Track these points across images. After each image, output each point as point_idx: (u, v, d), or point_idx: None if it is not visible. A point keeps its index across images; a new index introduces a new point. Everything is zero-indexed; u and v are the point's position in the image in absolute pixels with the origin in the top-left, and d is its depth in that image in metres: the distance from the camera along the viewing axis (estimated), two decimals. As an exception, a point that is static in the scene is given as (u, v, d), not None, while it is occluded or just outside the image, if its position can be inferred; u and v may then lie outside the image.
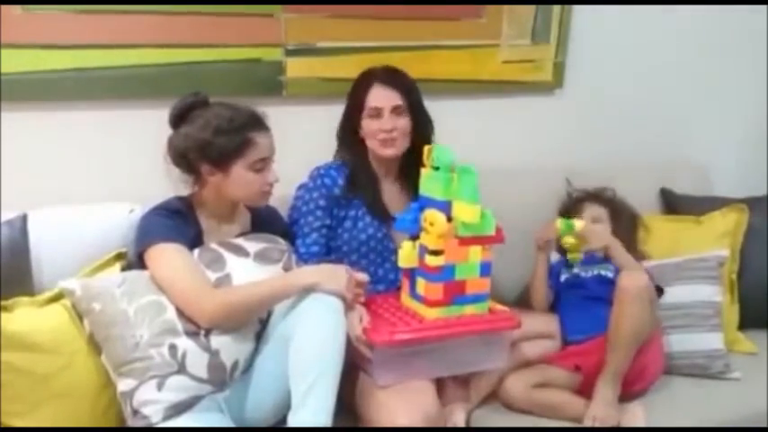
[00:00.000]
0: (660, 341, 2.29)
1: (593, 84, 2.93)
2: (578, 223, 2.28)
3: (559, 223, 2.28)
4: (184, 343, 1.80)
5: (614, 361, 2.08)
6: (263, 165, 1.94)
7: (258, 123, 1.94)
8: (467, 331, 1.97)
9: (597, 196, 2.50)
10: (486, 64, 2.74)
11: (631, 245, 2.44)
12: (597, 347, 2.13)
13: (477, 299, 1.99)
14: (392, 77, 2.17)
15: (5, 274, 1.88)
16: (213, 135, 1.89)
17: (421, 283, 1.96)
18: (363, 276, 1.97)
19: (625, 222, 2.48)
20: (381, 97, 2.14)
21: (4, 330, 1.73)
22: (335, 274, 1.86)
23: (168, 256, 1.87)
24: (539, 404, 2.11)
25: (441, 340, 1.95)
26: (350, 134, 2.21)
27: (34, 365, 1.77)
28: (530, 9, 2.75)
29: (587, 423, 2.05)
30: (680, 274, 2.43)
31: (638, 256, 2.43)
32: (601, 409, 2.05)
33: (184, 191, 2.01)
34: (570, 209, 2.50)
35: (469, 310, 1.98)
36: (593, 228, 2.31)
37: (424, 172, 1.98)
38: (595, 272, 2.33)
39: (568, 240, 2.28)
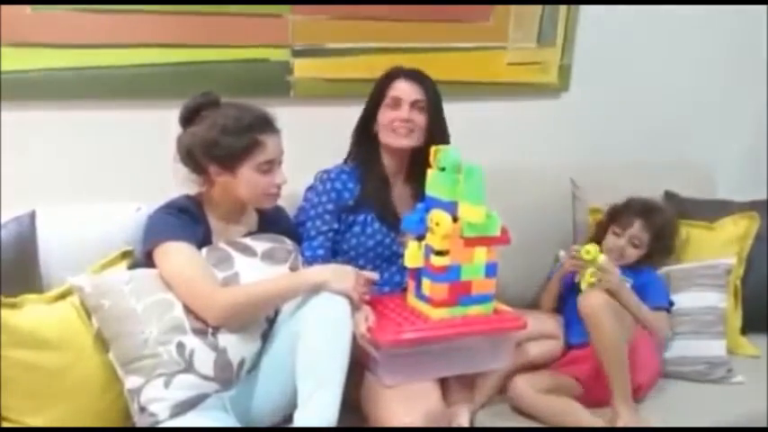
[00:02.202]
0: (650, 344, 2.29)
1: (599, 86, 2.94)
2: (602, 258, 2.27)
3: (586, 253, 2.27)
4: (192, 341, 1.81)
5: (616, 380, 2.07)
6: (269, 166, 1.94)
7: (266, 124, 1.94)
8: (472, 331, 1.97)
9: (649, 218, 2.43)
10: (492, 66, 2.75)
11: (658, 265, 2.47)
12: (592, 354, 2.14)
13: (482, 299, 1.99)
14: (418, 75, 2.18)
15: (13, 271, 1.89)
16: (220, 135, 1.90)
17: (426, 284, 1.96)
18: (373, 274, 1.98)
19: (660, 249, 2.47)
20: (403, 89, 2.15)
21: (13, 327, 1.74)
22: (343, 274, 1.87)
23: (177, 255, 1.88)
24: (549, 411, 2.09)
25: (446, 340, 1.95)
26: (366, 131, 2.21)
27: (42, 362, 1.77)
28: (536, 12, 2.76)
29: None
30: (687, 281, 2.45)
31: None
32: (629, 419, 2.05)
33: (191, 190, 2.02)
34: (619, 216, 2.46)
35: (475, 310, 1.98)
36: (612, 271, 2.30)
37: (430, 172, 1.98)
38: None
39: (591, 273, 2.27)
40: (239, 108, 1.94)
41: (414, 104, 2.15)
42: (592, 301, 2.11)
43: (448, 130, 2.24)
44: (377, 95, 2.19)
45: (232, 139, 1.90)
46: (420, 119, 2.15)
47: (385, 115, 2.16)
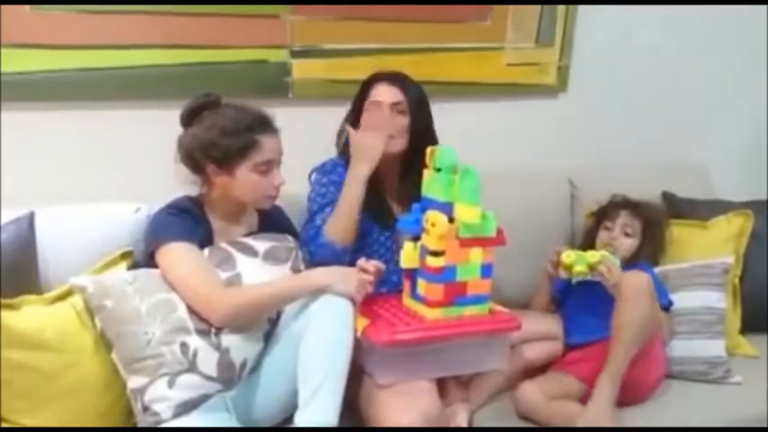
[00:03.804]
0: (660, 347, 2.29)
1: (597, 87, 2.94)
2: (593, 258, 2.27)
3: (566, 257, 2.27)
4: (195, 341, 1.81)
5: (614, 360, 2.06)
6: (267, 167, 1.94)
7: (264, 125, 1.95)
8: (467, 332, 1.97)
9: (636, 207, 2.48)
10: (490, 67, 2.75)
11: (652, 260, 2.46)
12: (597, 354, 2.12)
13: (477, 300, 1.99)
14: (397, 77, 2.17)
15: (13, 272, 1.89)
16: (218, 136, 1.90)
17: (422, 284, 1.97)
18: (380, 264, 1.97)
19: (652, 240, 2.47)
20: (382, 92, 2.14)
21: (12, 328, 1.74)
22: (346, 277, 1.87)
23: (180, 256, 1.88)
24: (559, 417, 2.07)
25: (441, 341, 1.96)
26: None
27: (41, 363, 1.77)
28: (534, 12, 2.76)
29: (580, 424, 2.03)
30: (685, 281, 2.44)
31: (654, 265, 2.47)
32: (593, 415, 2.02)
33: (192, 191, 2.03)
34: (607, 212, 2.49)
35: (470, 311, 1.99)
36: (612, 267, 2.29)
37: (426, 173, 1.99)
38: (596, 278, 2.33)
39: (581, 271, 2.28)
40: (238, 109, 1.95)
41: (393, 107, 2.14)
42: (635, 280, 2.12)
43: (435, 132, 2.23)
44: (359, 101, 2.19)
45: (229, 139, 1.90)
46: (400, 121, 2.14)
47: (366, 117, 2.16)
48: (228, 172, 1.93)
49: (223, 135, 1.90)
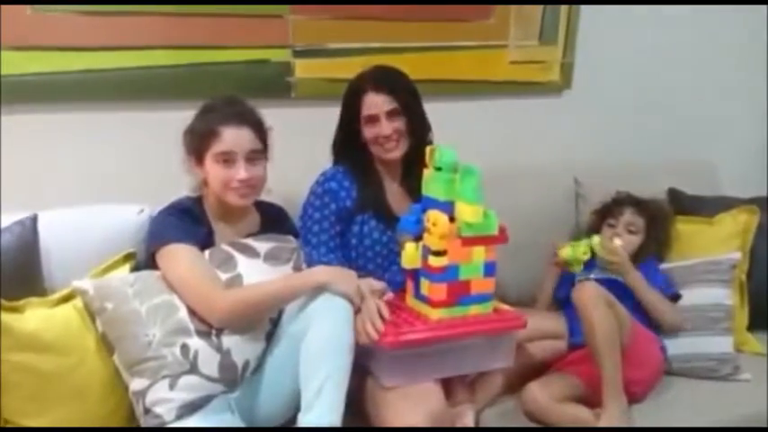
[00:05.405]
0: (653, 341, 2.28)
1: (601, 84, 2.94)
2: (585, 255, 2.30)
3: (563, 252, 2.31)
4: (196, 343, 1.82)
5: (606, 372, 2.04)
6: (226, 158, 1.91)
7: (231, 117, 1.93)
8: (472, 331, 1.97)
9: (640, 204, 2.48)
10: (493, 65, 2.76)
11: (657, 256, 2.47)
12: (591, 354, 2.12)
13: (481, 299, 1.99)
14: (383, 81, 2.15)
15: (16, 274, 1.90)
16: (191, 126, 1.94)
17: (425, 284, 1.96)
18: (381, 285, 1.97)
19: (656, 236, 2.48)
20: (374, 104, 2.12)
21: (16, 330, 1.75)
22: (346, 276, 1.88)
23: (180, 257, 1.88)
24: (565, 420, 2.06)
25: (446, 341, 1.95)
26: (350, 141, 2.20)
27: (45, 365, 1.78)
28: (537, 10, 2.76)
29: None
30: (692, 277, 2.43)
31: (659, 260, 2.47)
32: (614, 414, 2.02)
33: (195, 191, 2.03)
34: (611, 209, 2.50)
35: (474, 310, 1.98)
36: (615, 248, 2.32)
37: (426, 173, 1.98)
38: (611, 275, 2.35)
39: (577, 269, 2.32)
40: (223, 101, 1.97)
41: (389, 115, 2.13)
42: (585, 292, 2.10)
43: (427, 119, 2.22)
44: (350, 112, 2.16)
45: (197, 129, 1.93)
46: (399, 125, 2.14)
47: (367, 132, 2.15)
48: (199, 163, 1.95)
49: (193, 125, 1.94)
